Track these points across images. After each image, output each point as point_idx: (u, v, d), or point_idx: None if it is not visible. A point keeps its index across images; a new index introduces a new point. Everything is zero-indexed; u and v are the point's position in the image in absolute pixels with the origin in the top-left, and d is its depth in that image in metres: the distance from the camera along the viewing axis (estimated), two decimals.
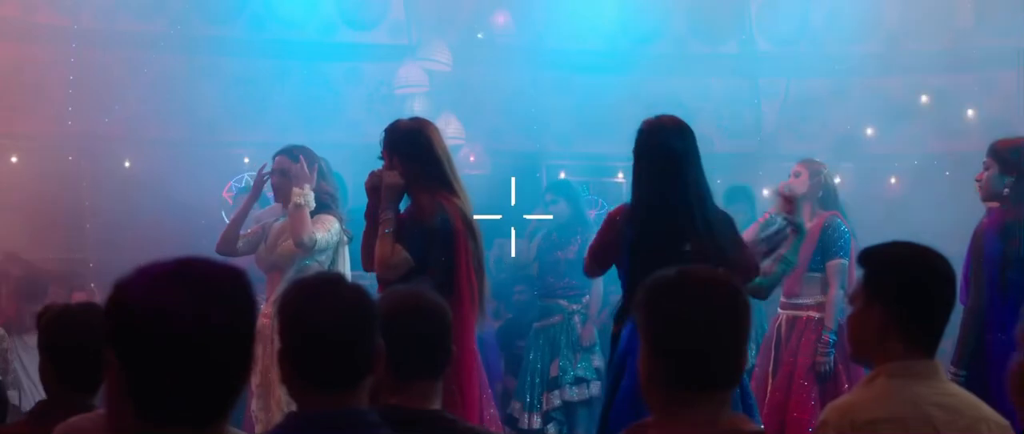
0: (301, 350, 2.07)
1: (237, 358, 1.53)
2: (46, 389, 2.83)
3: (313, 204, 4.75)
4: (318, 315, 2.06)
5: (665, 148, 3.93)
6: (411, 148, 4.06)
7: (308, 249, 4.72)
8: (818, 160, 5.72)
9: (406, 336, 2.40)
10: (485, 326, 5.00)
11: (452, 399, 3.82)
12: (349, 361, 2.07)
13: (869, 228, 5.56)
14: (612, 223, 3.97)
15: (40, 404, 2.80)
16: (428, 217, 3.96)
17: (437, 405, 2.50)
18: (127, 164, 7.94)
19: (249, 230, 5.12)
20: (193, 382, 1.49)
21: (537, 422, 6.50)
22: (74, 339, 2.66)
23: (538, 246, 6.74)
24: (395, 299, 2.53)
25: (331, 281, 2.18)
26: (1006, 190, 4.34)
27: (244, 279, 1.57)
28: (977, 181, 4.51)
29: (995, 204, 4.42)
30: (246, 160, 8.29)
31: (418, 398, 2.44)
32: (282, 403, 4.61)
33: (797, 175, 5.51)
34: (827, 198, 5.48)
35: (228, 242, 5.07)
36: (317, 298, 2.08)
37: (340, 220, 4.88)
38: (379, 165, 4.21)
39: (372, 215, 4.14)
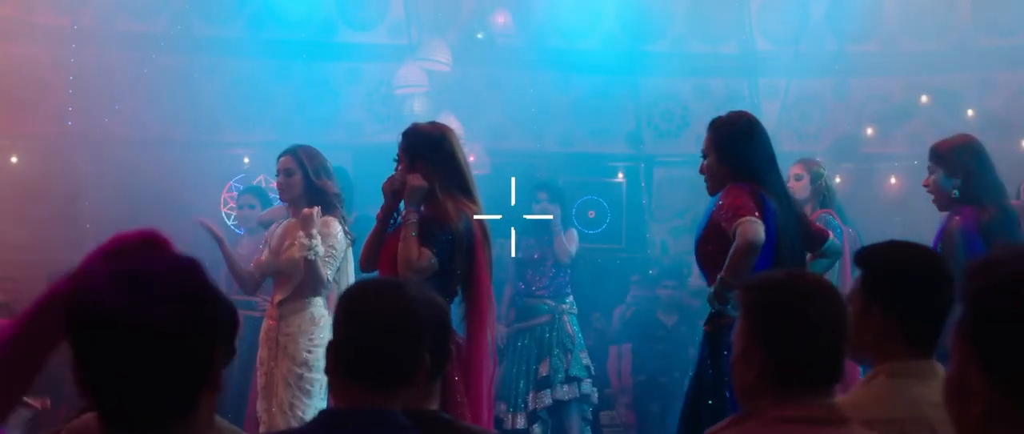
0: (346, 345, 2.12)
1: (187, 356, 1.49)
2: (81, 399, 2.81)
3: (321, 250, 4.73)
4: (369, 315, 2.11)
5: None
6: (436, 153, 4.08)
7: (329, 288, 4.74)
8: (816, 159, 5.73)
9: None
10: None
11: (458, 396, 3.85)
12: (387, 365, 2.10)
13: (869, 228, 5.58)
14: (755, 195, 3.85)
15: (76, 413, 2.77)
16: (453, 221, 3.97)
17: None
18: (127, 164, 7.94)
19: (262, 254, 5.05)
20: (142, 381, 1.46)
21: (522, 422, 6.48)
22: None
23: (519, 245, 6.73)
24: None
25: (391, 285, 2.23)
26: (955, 192, 4.20)
27: (193, 275, 1.53)
28: (925, 187, 4.36)
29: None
30: (246, 160, 8.30)
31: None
32: (284, 405, 4.61)
33: (798, 178, 5.50)
34: (826, 199, 5.50)
35: (245, 283, 5.05)
36: (375, 299, 2.14)
37: (343, 221, 4.88)
38: (383, 165, 4.22)
39: (385, 217, 4.15)
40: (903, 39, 8.42)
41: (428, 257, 3.93)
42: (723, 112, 4.25)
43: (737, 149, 3.99)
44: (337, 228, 4.80)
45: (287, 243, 4.84)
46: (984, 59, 8.17)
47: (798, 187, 5.47)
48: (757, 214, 3.78)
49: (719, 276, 3.81)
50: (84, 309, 1.47)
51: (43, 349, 1.71)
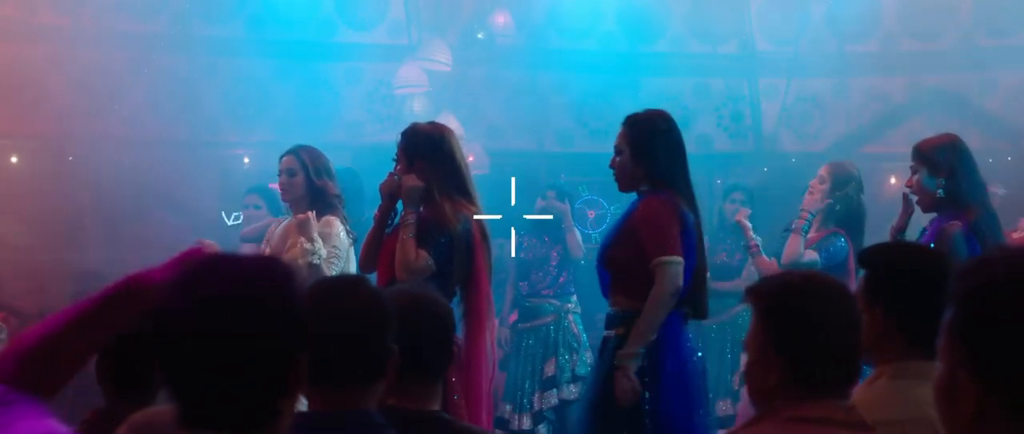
0: (314, 347, 2.09)
1: (268, 363, 1.48)
2: (104, 395, 2.74)
3: (324, 253, 4.71)
4: (333, 312, 2.08)
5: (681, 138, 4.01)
6: (435, 154, 4.06)
7: None
8: (850, 168, 5.35)
9: (408, 336, 2.40)
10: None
11: (455, 397, 3.85)
12: (359, 359, 2.09)
13: (869, 228, 5.56)
14: (679, 214, 3.82)
15: (94, 413, 2.70)
16: (451, 223, 3.96)
17: (436, 406, 2.50)
18: (127, 164, 7.94)
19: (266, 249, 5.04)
20: (222, 386, 1.46)
21: (527, 423, 6.47)
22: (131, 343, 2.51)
23: (521, 245, 6.75)
24: (398, 298, 2.53)
25: (351, 282, 2.22)
26: (939, 191, 4.11)
27: (277, 282, 1.51)
28: (907, 188, 4.27)
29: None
30: (246, 160, 8.30)
31: (416, 399, 2.44)
32: None
33: (822, 181, 5.20)
34: (845, 213, 5.18)
35: None
36: (335, 297, 2.12)
37: (344, 221, 4.88)
38: (383, 164, 4.22)
39: (382, 218, 4.14)
40: (903, 39, 8.42)
41: (425, 258, 3.93)
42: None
43: (653, 148, 3.93)
44: (338, 227, 4.79)
45: (289, 243, 4.84)
46: (984, 59, 8.17)
47: (818, 189, 5.20)
48: (680, 250, 3.76)
49: (633, 330, 3.76)
50: (164, 311, 1.47)
51: (104, 335, 1.69)
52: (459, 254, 3.97)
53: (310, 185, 4.86)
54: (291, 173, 4.90)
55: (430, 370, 2.47)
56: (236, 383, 1.46)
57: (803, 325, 1.99)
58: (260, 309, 1.48)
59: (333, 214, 4.83)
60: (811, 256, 5.06)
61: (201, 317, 1.45)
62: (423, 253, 3.93)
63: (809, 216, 5.12)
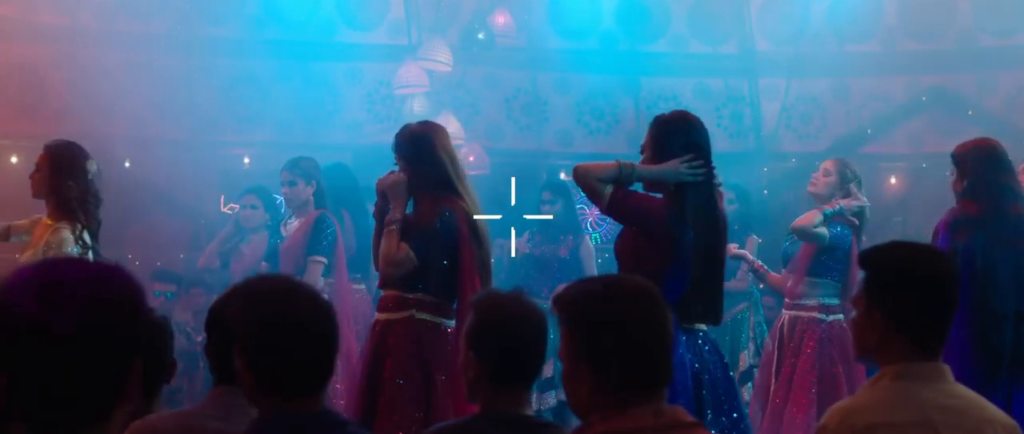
0: (274, 357, 2.08)
1: (97, 365, 1.46)
2: None
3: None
4: (295, 324, 2.08)
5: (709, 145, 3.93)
6: (413, 151, 4.12)
7: None
8: (853, 166, 5.52)
9: (507, 342, 2.42)
10: None
11: (443, 399, 3.84)
12: (323, 370, 2.11)
13: (869, 228, 5.56)
14: (663, 217, 3.75)
15: None
16: (427, 220, 3.99)
17: (530, 413, 2.50)
18: (127, 164, 7.93)
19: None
20: (52, 387, 1.45)
21: None
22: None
23: (535, 244, 6.74)
24: (495, 303, 2.53)
25: (294, 287, 2.18)
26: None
27: (110, 285, 1.50)
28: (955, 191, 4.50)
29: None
30: (246, 160, 8.29)
31: (515, 406, 2.44)
32: None
33: (827, 174, 5.37)
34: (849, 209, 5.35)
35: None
36: (289, 305, 2.10)
37: (84, 225, 4.56)
38: (383, 165, 4.28)
39: (380, 215, 4.18)
40: (903, 39, 8.42)
41: (405, 251, 3.99)
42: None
43: (669, 151, 3.84)
44: (64, 235, 4.48)
45: (31, 243, 4.60)
46: (984, 59, 8.17)
47: (823, 182, 5.37)
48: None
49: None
50: (3, 305, 1.46)
51: None
52: (436, 249, 3.98)
53: (47, 185, 4.58)
54: (37, 168, 4.62)
55: (525, 375, 2.48)
56: (74, 380, 1.45)
57: (605, 332, 1.97)
58: (100, 309, 1.46)
59: (69, 219, 4.53)
60: (822, 231, 5.23)
61: (39, 313, 1.43)
62: (404, 245, 3.99)
63: (839, 207, 5.27)
